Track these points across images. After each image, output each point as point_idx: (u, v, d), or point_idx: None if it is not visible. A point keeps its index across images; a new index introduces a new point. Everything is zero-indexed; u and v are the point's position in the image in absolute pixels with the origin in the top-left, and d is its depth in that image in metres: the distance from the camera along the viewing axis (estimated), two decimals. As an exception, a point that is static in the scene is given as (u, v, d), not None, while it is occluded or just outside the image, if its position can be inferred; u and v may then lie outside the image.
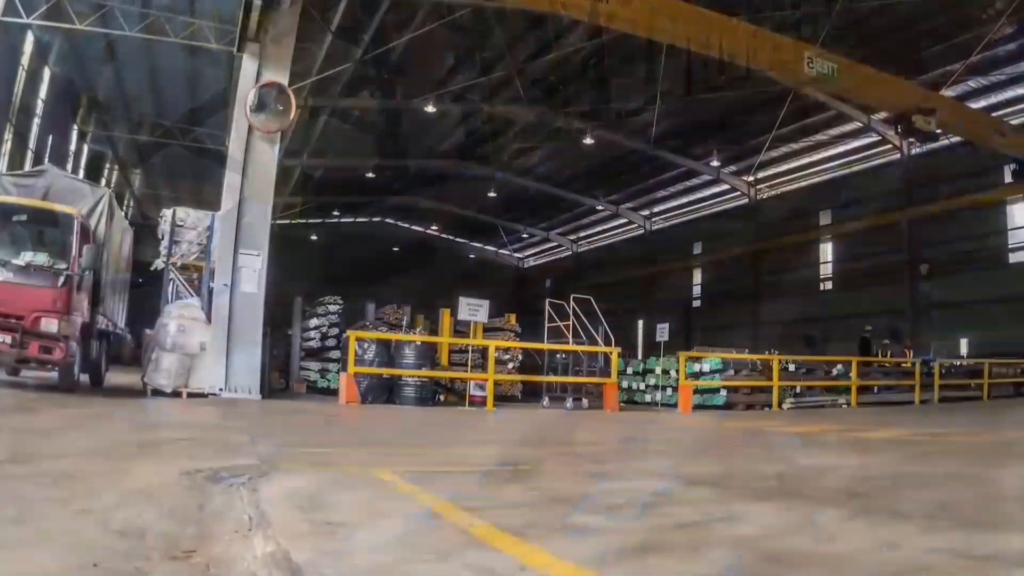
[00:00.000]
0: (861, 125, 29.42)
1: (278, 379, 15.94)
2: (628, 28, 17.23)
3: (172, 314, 11.12)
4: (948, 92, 25.63)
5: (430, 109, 29.48)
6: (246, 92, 12.14)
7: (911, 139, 23.69)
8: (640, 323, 43.82)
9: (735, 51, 17.63)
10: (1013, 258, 26.11)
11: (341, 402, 11.89)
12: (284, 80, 12.44)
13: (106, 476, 3.56)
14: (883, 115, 28.88)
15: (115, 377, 15.20)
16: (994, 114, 26.50)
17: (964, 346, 26.17)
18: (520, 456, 5.72)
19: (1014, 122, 25.86)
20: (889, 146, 30.15)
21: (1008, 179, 26.05)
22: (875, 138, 30.27)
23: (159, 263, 14.89)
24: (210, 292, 12.61)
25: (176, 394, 10.50)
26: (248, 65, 12.51)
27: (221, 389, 11.05)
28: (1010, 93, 25.71)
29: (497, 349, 14.45)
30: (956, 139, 28.02)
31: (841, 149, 32.15)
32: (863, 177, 31.76)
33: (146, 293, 18.39)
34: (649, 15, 16.03)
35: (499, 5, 17.16)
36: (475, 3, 21.88)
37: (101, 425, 6.33)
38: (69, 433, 5.49)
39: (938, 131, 20.34)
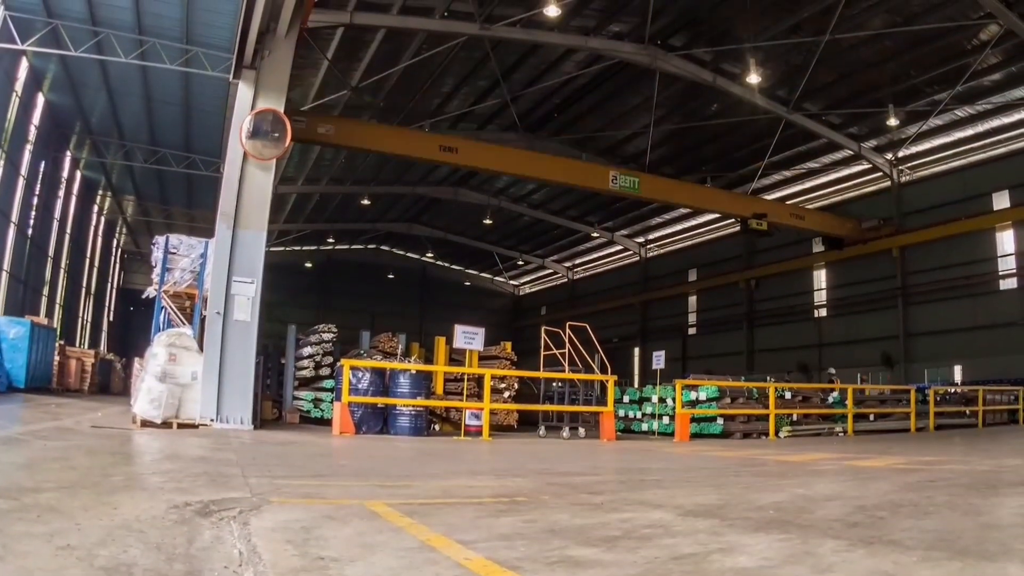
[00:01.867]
0: (852, 153, 29.73)
1: (271, 409, 15.76)
2: (481, 168, 25.58)
3: (163, 343, 11.01)
4: (936, 121, 26.08)
5: (425, 136, 29.64)
6: (241, 119, 12.17)
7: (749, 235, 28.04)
8: (636, 351, 43.83)
9: (559, 176, 25.70)
10: (1004, 285, 26.24)
11: (335, 432, 11.77)
12: (280, 107, 12.49)
13: (91, 510, 3.49)
14: (873, 143, 29.26)
15: (104, 407, 15.04)
16: (983, 143, 26.97)
17: (958, 373, 26.18)
18: (515, 487, 5.67)
19: (1002, 150, 26.33)
20: (880, 174, 30.47)
21: (997, 206, 26.37)
22: (866, 166, 30.59)
23: (151, 291, 14.79)
24: (202, 320, 12.52)
25: (166, 425, 10.36)
26: (244, 92, 12.56)
27: (212, 420, 10.92)
28: (996, 122, 26.05)
29: (493, 377, 14.37)
30: (945, 167, 28.45)
31: (832, 177, 32.48)
32: (855, 204, 32.04)
33: (137, 321, 18.32)
34: (495, 161, 24.21)
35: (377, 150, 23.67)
36: (469, 33, 22.21)
37: (87, 458, 6.23)
38: (54, 465, 5.40)
39: (769, 230, 26.21)
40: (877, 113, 26.15)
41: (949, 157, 28.47)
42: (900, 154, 29.21)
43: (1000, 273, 26.43)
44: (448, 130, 30.96)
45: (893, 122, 26.02)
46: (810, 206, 34.41)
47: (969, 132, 27.11)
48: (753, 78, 24.08)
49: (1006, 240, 26.37)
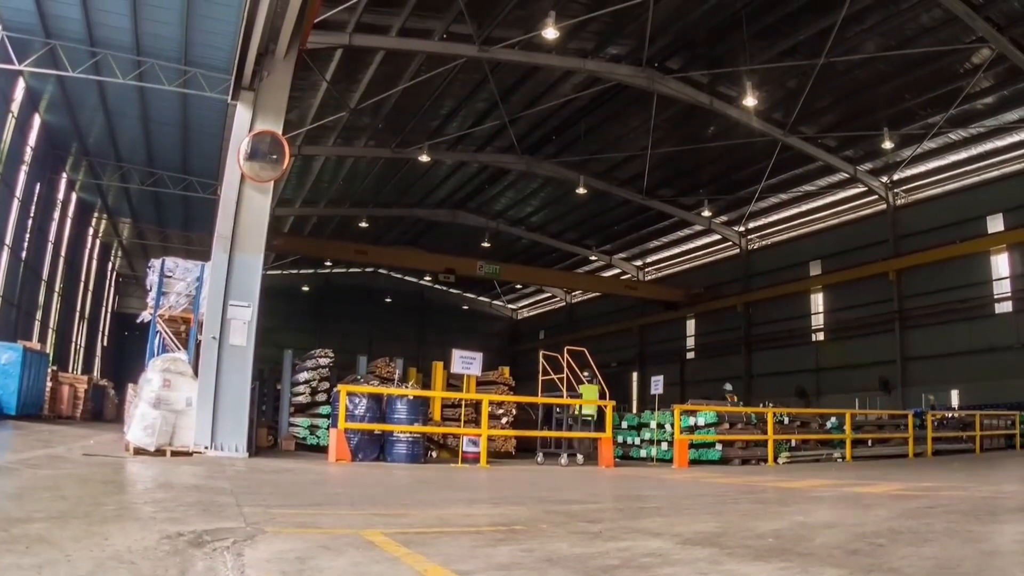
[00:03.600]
0: (848, 176, 29.90)
1: (266, 436, 15.59)
2: (381, 264, 40.05)
3: (157, 368, 10.89)
4: (930, 144, 26.34)
5: (424, 158, 29.85)
6: (239, 140, 12.14)
7: None
8: (635, 375, 43.71)
9: (440, 267, 37.18)
10: (999, 308, 26.28)
11: (331, 460, 11.64)
12: (278, 129, 12.47)
13: (82, 541, 3.44)
14: (869, 166, 29.46)
15: (97, 435, 14.93)
16: (976, 166, 27.23)
17: (955, 397, 26.13)
18: (513, 515, 5.61)
19: (995, 173, 26.55)
20: (875, 197, 30.64)
21: (991, 229, 26.50)
22: (861, 189, 30.76)
23: (146, 315, 14.70)
24: (198, 345, 12.42)
25: (160, 452, 10.24)
26: (242, 113, 12.56)
27: (207, 447, 10.77)
28: (989, 145, 26.28)
29: (491, 403, 14.27)
30: (940, 190, 28.66)
31: (829, 200, 32.67)
32: (851, 228, 32.21)
33: (132, 346, 18.23)
34: (392, 259, 40.07)
35: (313, 255, 40.16)
36: (467, 55, 22.41)
37: (79, 487, 6.15)
38: (44, 495, 5.33)
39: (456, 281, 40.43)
40: (872, 136, 26.39)
41: (943, 180, 28.68)
42: (895, 177, 29.41)
43: (996, 297, 26.49)
44: (447, 151, 31.20)
45: (888, 145, 26.24)
46: (806, 229, 34.76)
47: (963, 155, 27.32)
48: (750, 101, 24.31)
49: (1001, 264, 26.47)
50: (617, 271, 46.11)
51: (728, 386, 23.73)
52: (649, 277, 44.84)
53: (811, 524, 5.20)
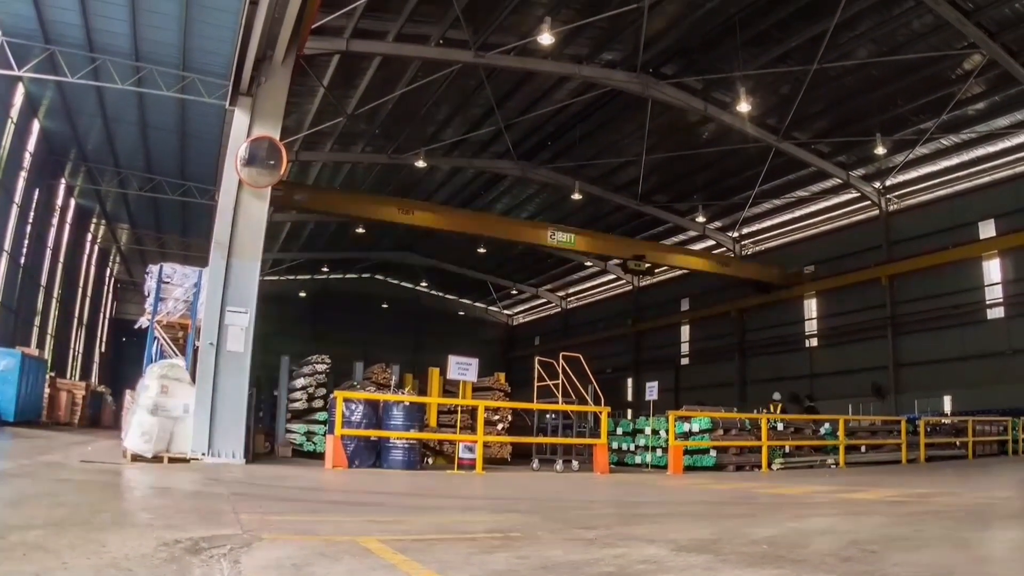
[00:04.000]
0: (841, 182, 29.99)
1: (263, 443, 15.57)
2: (430, 228, 29.42)
3: (155, 374, 10.91)
4: (922, 150, 26.41)
5: (420, 164, 29.84)
6: (237, 146, 12.18)
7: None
8: (630, 381, 43.68)
9: (505, 234, 30.86)
10: (991, 314, 26.33)
11: (327, 466, 11.65)
12: (276, 135, 12.50)
13: (79, 548, 3.46)
14: (861, 172, 29.55)
15: (94, 441, 14.89)
16: (968, 172, 27.32)
17: (948, 403, 26.14)
18: (509, 522, 5.63)
19: (987, 179, 26.62)
20: (868, 202, 30.71)
21: (983, 235, 26.56)
22: (854, 194, 30.84)
23: (144, 321, 14.71)
24: (195, 351, 12.44)
25: (157, 459, 10.23)
26: (240, 119, 12.59)
27: (204, 454, 10.77)
28: (981, 151, 26.38)
29: (486, 409, 14.27)
30: (932, 196, 28.75)
31: (822, 205, 32.75)
32: (844, 233, 32.27)
33: (130, 352, 18.18)
34: (447, 222, 29.35)
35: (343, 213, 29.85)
36: (463, 61, 22.46)
37: (76, 494, 6.17)
38: (42, 502, 5.35)
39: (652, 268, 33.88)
40: (864, 142, 26.47)
41: (936, 186, 28.75)
42: (888, 183, 29.50)
43: (988, 302, 26.54)
44: (443, 157, 31.23)
45: (880, 151, 26.33)
46: (799, 235, 34.76)
47: (955, 161, 27.43)
48: (743, 106, 24.36)
49: (993, 269, 26.52)
50: (612, 276, 46.16)
51: (777, 395, 23.83)
52: (644, 283, 44.87)
53: (805, 531, 5.23)
